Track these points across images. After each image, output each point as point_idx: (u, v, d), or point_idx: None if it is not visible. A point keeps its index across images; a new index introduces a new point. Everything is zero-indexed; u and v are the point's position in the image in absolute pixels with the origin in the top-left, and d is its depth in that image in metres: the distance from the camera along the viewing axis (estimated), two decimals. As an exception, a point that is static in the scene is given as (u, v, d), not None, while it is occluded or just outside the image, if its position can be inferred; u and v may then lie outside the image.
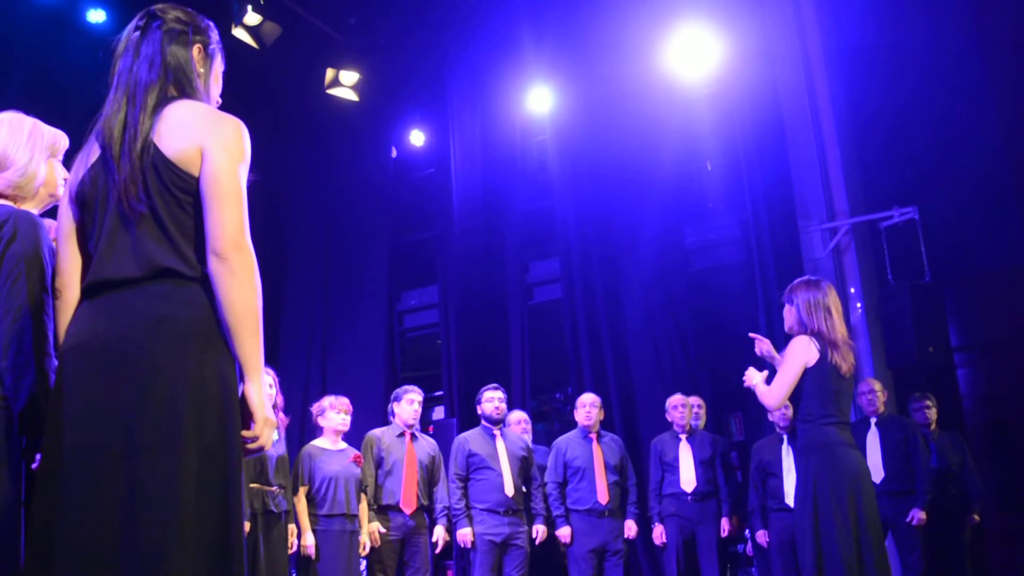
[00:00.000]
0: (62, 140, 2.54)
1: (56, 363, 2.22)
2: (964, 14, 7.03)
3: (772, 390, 4.13)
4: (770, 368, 4.32)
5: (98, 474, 1.84)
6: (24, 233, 2.26)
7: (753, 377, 4.30)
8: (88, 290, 2.01)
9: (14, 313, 2.20)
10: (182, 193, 1.96)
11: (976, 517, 6.30)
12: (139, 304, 1.93)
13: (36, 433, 2.19)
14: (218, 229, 1.93)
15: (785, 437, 6.25)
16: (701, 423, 6.64)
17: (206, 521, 1.83)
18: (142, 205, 1.95)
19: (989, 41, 6.95)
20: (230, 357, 1.94)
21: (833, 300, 4.13)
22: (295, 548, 5.51)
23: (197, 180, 1.96)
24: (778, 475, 6.17)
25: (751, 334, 4.40)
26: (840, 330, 4.08)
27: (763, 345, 4.33)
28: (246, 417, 1.96)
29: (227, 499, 1.87)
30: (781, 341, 4.70)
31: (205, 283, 1.95)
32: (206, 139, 1.98)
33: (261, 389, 1.96)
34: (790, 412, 6.20)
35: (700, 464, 6.30)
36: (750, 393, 4.34)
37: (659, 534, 6.31)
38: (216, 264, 1.93)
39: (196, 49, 2.15)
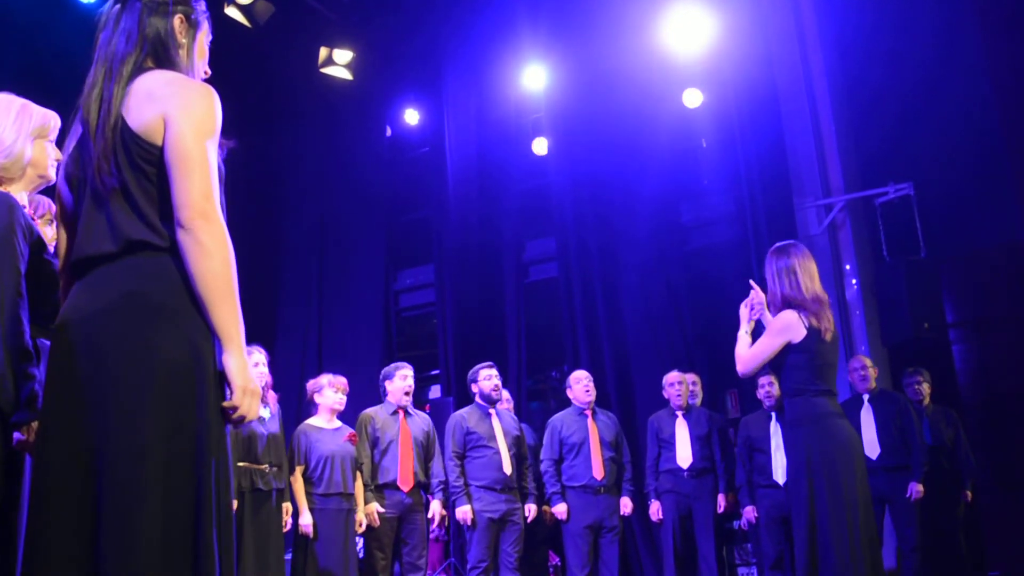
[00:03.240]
0: (52, 120, 2.53)
1: (30, 342, 2.25)
2: (961, -11, 7.01)
3: (745, 358, 4.00)
4: (759, 325, 4.15)
5: (70, 463, 1.83)
6: None
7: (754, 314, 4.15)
8: (74, 269, 1.99)
9: None
10: (148, 165, 1.93)
11: (969, 494, 6.29)
12: (112, 279, 1.91)
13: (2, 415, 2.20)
14: (182, 199, 1.89)
15: (773, 414, 6.26)
16: (698, 400, 6.66)
17: (173, 519, 1.80)
18: (113, 180, 1.92)
19: (986, 15, 6.91)
20: (205, 328, 1.90)
21: (802, 262, 3.96)
22: (290, 527, 5.53)
23: (161, 150, 1.93)
24: (766, 451, 6.18)
25: (751, 281, 4.18)
26: (811, 288, 3.92)
27: (756, 297, 4.12)
28: (226, 387, 1.92)
29: (197, 493, 1.83)
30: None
31: (177, 253, 1.91)
32: (169, 107, 1.93)
33: (241, 359, 1.91)
34: (775, 390, 6.20)
35: (696, 440, 6.32)
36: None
37: (656, 510, 6.33)
38: (182, 235, 1.88)
39: (177, 19, 2.09)
